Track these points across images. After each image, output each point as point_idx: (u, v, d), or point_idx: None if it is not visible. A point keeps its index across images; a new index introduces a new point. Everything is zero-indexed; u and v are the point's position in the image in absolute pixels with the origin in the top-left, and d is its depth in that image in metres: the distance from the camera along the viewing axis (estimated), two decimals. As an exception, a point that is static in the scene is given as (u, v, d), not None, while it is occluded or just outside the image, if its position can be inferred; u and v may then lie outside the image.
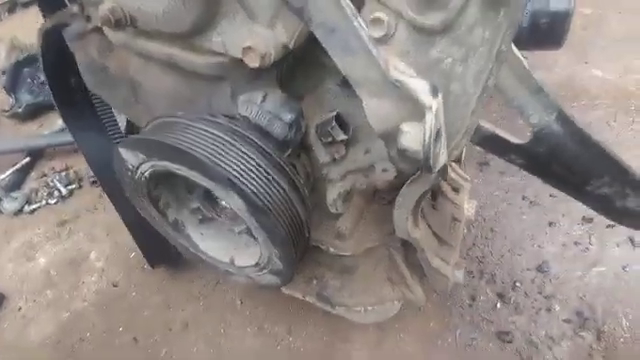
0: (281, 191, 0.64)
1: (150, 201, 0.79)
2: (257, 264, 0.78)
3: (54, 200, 1.67)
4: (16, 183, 1.76)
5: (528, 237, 1.29)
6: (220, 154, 0.61)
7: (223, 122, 0.64)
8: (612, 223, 1.16)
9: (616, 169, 0.52)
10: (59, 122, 1.89)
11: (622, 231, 1.23)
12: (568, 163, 0.53)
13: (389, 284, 0.91)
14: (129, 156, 0.69)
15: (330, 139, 0.72)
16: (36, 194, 1.71)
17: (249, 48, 0.54)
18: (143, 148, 0.66)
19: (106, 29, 0.68)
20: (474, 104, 0.51)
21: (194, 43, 0.61)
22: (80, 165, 1.78)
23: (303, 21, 0.50)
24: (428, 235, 0.85)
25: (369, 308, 0.94)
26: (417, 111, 0.47)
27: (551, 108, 0.51)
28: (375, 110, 0.53)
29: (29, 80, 2.02)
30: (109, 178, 0.85)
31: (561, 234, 1.28)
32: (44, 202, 1.67)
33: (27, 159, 1.79)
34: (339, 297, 0.93)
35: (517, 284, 1.19)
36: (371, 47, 0.47)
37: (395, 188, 0.77)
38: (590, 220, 1.29)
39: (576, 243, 1.26)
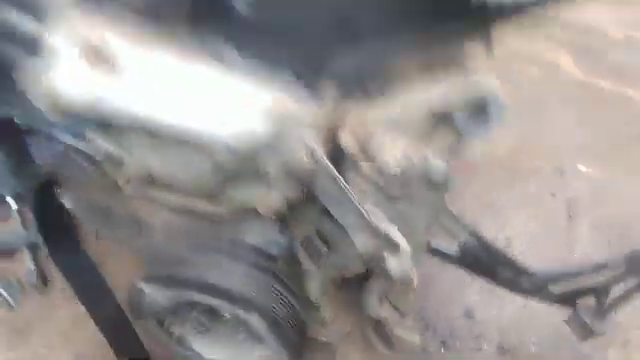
0: (289, 304, 0.83)
1: (158, 323, 0.91)
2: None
3: None
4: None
5: (454, 291, 1.61)
6: (242, 282, 0.78)
7: (238, 252, 0.83)
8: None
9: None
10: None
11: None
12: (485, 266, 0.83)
13: (365, 354, 1.13)
14: (152, 290, 0.82)
15: (314, 252, 0.94)
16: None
17: (266, 203, 0.75)
18: (170, 283, 0.80)
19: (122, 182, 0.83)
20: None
21: (211, 197, 0.79)
22: (15, 268, 1.71)
23: (309, 188, 0.72)
24: (390, 310, 1.09)
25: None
26: (393, 246, 0.72)
27: (465, 229, 0.81)
28: (361, 241, 0.77)
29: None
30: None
31: (477, 284, 1.63)
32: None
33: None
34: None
35: (455, 331, 1.49)
36: (362, 210, 0.71)
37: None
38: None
39: (490, 290, 1.61)
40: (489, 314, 1.57)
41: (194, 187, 0.76)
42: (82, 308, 1.42)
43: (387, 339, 1.11)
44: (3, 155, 0.96)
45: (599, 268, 0.83)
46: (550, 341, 1.47)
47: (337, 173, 0.68)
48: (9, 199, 1.74)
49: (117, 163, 0.79)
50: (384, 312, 1.05)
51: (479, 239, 0.81)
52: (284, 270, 0.92)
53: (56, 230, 1.04)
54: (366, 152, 0.70)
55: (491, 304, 1.59)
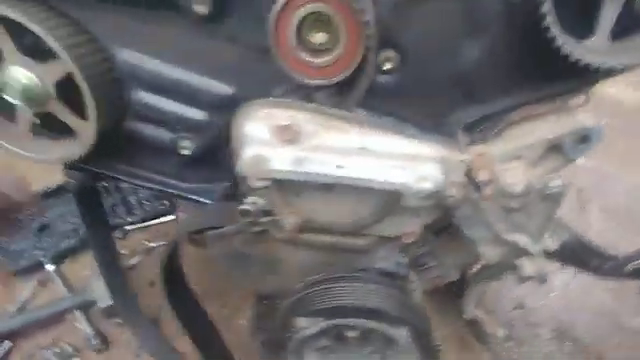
0: (424, 315, 0.97)
1: (297, 354, 1.01)
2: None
3: (54, 381, 1.58)
4: (-4, 377, 1.60)
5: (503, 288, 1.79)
6: (391, 305, 0.91)
7: (373, 277, 0.95)
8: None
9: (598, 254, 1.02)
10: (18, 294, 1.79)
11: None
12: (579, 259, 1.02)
13: (463, 353, 1.27)
14: (304, 322, 0.93)
15: (426, 268, 1.08)
16: (33, 382, 1.59)
17: (411, 233, 0.89)
18: (325, 314, 0.91)
19: (275, 231, 0.93)
20: (536, 237, 0.94)
21: (358, 233, 0.92)
22: (70, 335, 1.71)
23: (448, 213, 0.87)
24: (483, 311, 1.25)
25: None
26: (525, 252, 0.88)
27: (565, 229, 0.99)
28: (485, 253, 0.93)
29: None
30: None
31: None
32: (44, 387, 1.57)
33: (8, 344, 1.65)
34: None
35: (512, 322, 1.67)
36: (496, 227, 0.86)
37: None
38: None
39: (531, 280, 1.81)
40: (538, 303, 1.76)
41: (350, 228, 0.89)
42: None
43: (481, 336, 1.27)
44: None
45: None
46: (596, 318, 1.68)
47: (477, 200, 0.84)
48: (47, 265, 1.78)
49: (278, 217, 0.90)
50: (479, 313, 1.22)
51: (576, 236, 0.99)
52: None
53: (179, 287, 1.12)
54: (493, 179, 0.86)
55: (538, 294, 1.78)
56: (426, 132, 0.79)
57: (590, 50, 0.70)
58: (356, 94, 0.75)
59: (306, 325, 0.94)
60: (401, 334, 0.93)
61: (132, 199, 2.07)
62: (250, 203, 0.94)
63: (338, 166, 0.72)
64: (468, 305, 1.17)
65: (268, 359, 1.37)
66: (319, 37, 0.69)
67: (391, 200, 0.83)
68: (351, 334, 1.10)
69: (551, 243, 0.94)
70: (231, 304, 1.69)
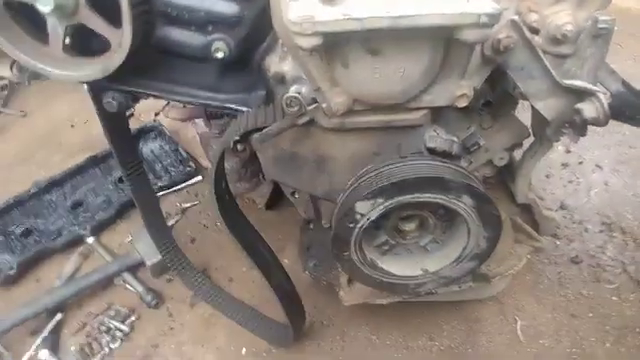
0: (480, 181, 0.94)
1: (358, 249, 1.00)
2: (457, 258, 1.04)
3: (116, 343, 1.59)
4: (53, 349, 1.61)
5: (542, 190, 1.77)
6: (450, 173, 0.89)
7: (428, 156, 0.93)
8: (581, 160, 1.75)
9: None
10: (62, 270, 1.79)
11: (589, 163, 1.81)
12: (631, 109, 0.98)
13: (518, 245, 1.25)
14: (364, 206, 0.91)
15: (477, 147, 1.05)
16: (90, 348, 1.60)
17: (462, 95, 0.86)
18: (384, 193, 0.89)
19: (322, 119, 0.91)
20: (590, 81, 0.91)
21: (408, 106, 0.89)
22: (121, 298, 1.72)
23: (501, 68, 0.84)
24: (533, 194, 1.22)
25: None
26: (585, 95, 0.85)
27: (619, 79, 0.95)
28: (544, 107, 0.90)
29: (1, 238, 1.86)
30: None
31: (558, 180, 1.79)
32: (106, 350, 1.58)
33: (59, 316, 1.65)
34: (489, 271, 1.22)
35: (558, 223, 1.64)
36: (554, 73, 0.83)
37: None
38: (567, 165, 1.84)
39: (570, 181, 1.78)
40: (580, 201, 1.74)
41: (400, 98, 0.86)
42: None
43: (535, 222, 1.24)
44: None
45: None
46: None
47: (532, 43, 0.81)
48: (87, 238, 1.78)
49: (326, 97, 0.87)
50: (531, 195, 1.19)
51: (629, 86, 0.95)
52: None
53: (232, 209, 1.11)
54: (542, 23, 0.83)
55: (578, 192, 1.76)
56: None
57: None
58: None
59: (367, 210, 0.92)
60: (464, 202, 0.91)
61: (158, 167, 2.06)
62: (295, 92, 0.91)
63: (387, 10, 0.69)
64: (521, 189, 1.14)
65: (321, 278, 1.37)
66: None
67: (444, 54, 0.80)
68: (409, 226, 1.09)
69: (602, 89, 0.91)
70: (273, 248, 1.69)
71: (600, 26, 0.83)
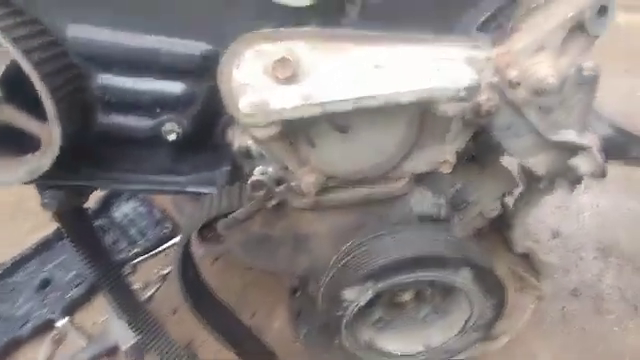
0: (480, 250, 0.84)
1: (350, 334, 0.88)
2: (461, 329, 0.92)
3: None
4: None
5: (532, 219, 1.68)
6: (445, 247, 0.78)
7: (418, 226, 0.82)
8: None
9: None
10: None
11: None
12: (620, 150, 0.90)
13: (520, 295, 1.14)
14: (351, 293, 0.80)
15: (465, 204, 0.95)
16: None
17: (445, 162, 0.76)
18: (373, 277, 0.78)
19: (294, 199, 0.80)
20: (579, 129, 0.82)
21: (388, 176, 0.79)
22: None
23: (485, 130, 0.75)
24: (530, 242, 1.12)
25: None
26: (578, 149, 0.75)
27: (606, 122, 0.87)
28: (534, 164, 0.80)
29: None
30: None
31: (547, 206, 1.71)
32: None
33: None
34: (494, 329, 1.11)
35: (553, 253, 1.55)
36: (540, 129, 0.74)
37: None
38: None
39: (559, 207, 1.70)
40: (572, 227, 1.65)
41: (377, 172, 0.76)
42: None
43: (534, 269, 1.14)
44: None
45: None
46: (635, 227, 1.58)
47: (514, 101, 0.72)
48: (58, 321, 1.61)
49: (293, 178, 0.77)
50: (529, 244, 1.09)
51: (616, 128, 0.87)
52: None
53: (197, 288, 0.98)
54: (523, 77, 0.74)
55: (569, 217, 1.67)
56: (442, 35, 0.66)
57: None
58: (354, 7, 0.63)
59: (355, 297, 0.80)
60: (462, 277, 0.80)
61: (132, 231, 1.91)
62: (260, 173, 0.80)
63: (353, 90, 0.59)
64: (517, 238, 1.05)
65: (316, 350, 1.23)
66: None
67: (419, 124, 0.70)
68: (405, 297, 0.97)
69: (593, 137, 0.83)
70: (261, 312, 1.55)
71: (585, 74, 0.74)
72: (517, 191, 1.02)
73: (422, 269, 0.79)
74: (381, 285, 0.79)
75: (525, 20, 0.75)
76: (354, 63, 0.63)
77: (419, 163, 0.78)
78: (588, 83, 0.76)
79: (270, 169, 0.79)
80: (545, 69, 0.75)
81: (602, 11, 0.75)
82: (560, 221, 1.65)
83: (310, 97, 0.59)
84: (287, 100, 0.58)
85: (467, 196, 0.95)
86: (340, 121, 0.67)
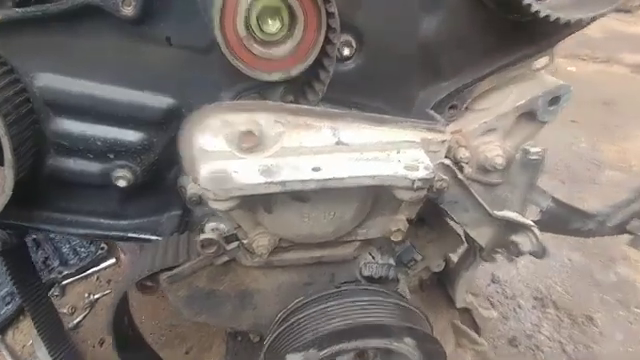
0: (422, 316, 0.88)
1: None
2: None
3: None
4: None
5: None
6: (390, 316, 0.82)
7: (365, 288, 0.85)
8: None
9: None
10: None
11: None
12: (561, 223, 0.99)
13: (461, 349, 1.21)
14: (294, 358, 0.81)
15: (412, 262, 1.00)
16: None
17: (397, 230, 0.80)
18: (317, 344, 0.80)
19: (244, 258, 0.80)
20: (521, 209, 0.90)
21: (340, 240, 0.81)
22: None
23: (435, 202, 0.80)
24: (470, 297, 1.20)
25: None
26: (521, 228, 0.83)
27: (547, 196, 0.96)
28: (477, 235, 0.87)
29: None
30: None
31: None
32: None
33: None
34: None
35: (490, 299, 1.65)
36: (485, 205, 0.80)
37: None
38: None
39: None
40: (510, 274, 1.77)
41: (330, 237, 0.78)
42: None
43: (475, 323, 1.22)
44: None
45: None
46: (570, 278, 1.72)
47: (463, 181, 0.77)
48: None
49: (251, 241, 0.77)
50: (470, 299, 1.17)
51: (557, 202, 0.96)
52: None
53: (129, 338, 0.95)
54: (473, 156, 0.81)
55: (506, 264, 1.79)
56: (399, 117, 0.71)
57: (554, 7, 0.67)
58: (319, 87, 0.65)
59: None
60: (406, 343, 0.84)
61: (65, 248, 1.80)
62: (212, 230, 0.80)
63: (315, 168, 0.61)
64: (459, 294, 1.11)
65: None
66: (272, 26, 0.58)
67: (375, 197, 0.74)
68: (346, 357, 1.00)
69: (534, 212, 0.91)
70: (197, 347, 1.52)
71: (531, 157, 0.82)
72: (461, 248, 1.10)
73: (367, 338, 0.82)
74: (325, 352, 0.81)
75: (478, 102, 0.82)
76: (317, 140, 0.65)
77: (371, 230, 0.81)
78: (533, 166, 0.84)
79: (222, 226, 0.80)
80: (493, 150, 0.82)
81: (554, 101, 0.83)
82: (498, 266, 1.77)
83: (270, 174, 0.60)
84: (249, 177, 0.60)
85: (415, 255, 1.00)
86: (300, 193, 0.69)
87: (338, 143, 0.65)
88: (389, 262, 0.93)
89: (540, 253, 0.81)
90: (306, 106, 0.66)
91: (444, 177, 0.73)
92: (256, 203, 0.69)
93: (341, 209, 0.73)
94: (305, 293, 0.89)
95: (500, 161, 0.80)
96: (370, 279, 0.91)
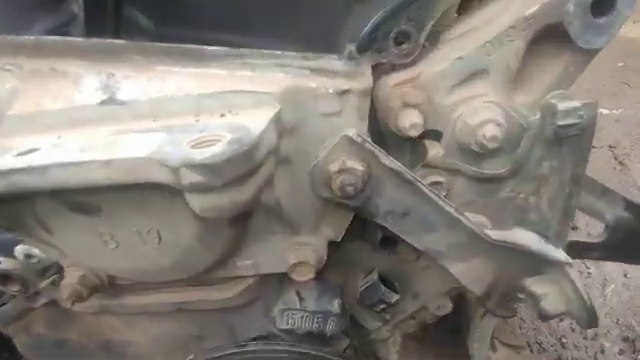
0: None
1: None
2: None
3: None
4: None
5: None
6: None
7: (282, 348, 0.50)
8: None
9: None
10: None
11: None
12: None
13: None
14: None
15: (383, 305, 0.62)
16: None
17: (299, 263, 0.44)
18: None
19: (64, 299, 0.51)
20: (556, 227, 0.47)
21: (211, 277, 0.48)
22: None
23: (365, 216, 0.42)
24: (505, 352, 0.77)
25: None
26: (544, 265, 0.41)
27: (618, 201, 0.52)
28: (467, 274, 0.46)
29: None
30: None
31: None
32: None
33: None
34: None
35: (563, 340, 1.16)
36: (460, 217, 0.41)
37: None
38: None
39: (580, 272, 1.30)
40: (594, 302, 1.25)
41: (180, 273, 0.45)
42: None
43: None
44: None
45: None
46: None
47: (407, 170, 0.39)
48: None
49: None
50: (496, 355, 0.74)
51: (634, 207, 0.51)
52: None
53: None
54: (446, 126, 0.42)
55: (589, 289, 1.27)
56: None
57: None
58: None
59: None
60: None
61: None
62: (21, 254, 0.52)
63: (26, 152, 0.30)
64: (479, 355, 0.69)
65: None
66: None
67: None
68: None
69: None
70: None
71: (562, 123, 0.40)
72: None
73: None
74: None
75: (456, 27, 0.42)
76: (69, 98, 0.33)
77: (262, 262, 0.46)
78: (572, 138, 0.42)
79: (36, 250, 0.51)
80: (482, 111, 0.42)
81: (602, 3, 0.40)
82: (576, 293, 1.26)
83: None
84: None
85: (385, 294, 0.61)
86: (71, 197, 0.37)
87: (107, 102, 0.32)
88: (328, 308, 0.57)
89: (584, 318, 0.39)
90: (61, 38, 0.34)
91: (351, 165, 0.36)
92: (17, 210, 0.38)
93: (161, 222, 0.39)
94: (198, 347, 0.57)
95: (491, 132, 0.39)
96: (292, 333, 0.56)
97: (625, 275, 1.26)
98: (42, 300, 0.52)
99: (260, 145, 0.30)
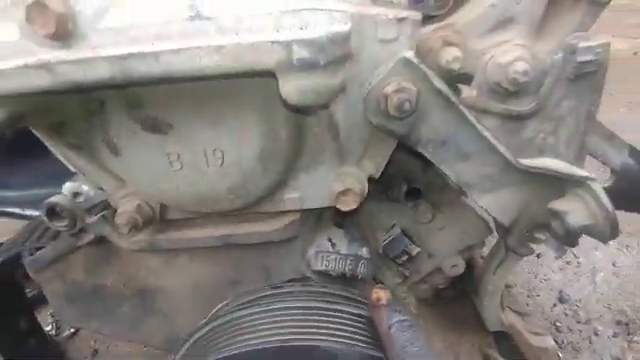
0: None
1: None
2: None
3: None
4: None
5: (533, 276, 1.34)
6: (333, 336, 0.48)
7: (316, 289, 0.53)
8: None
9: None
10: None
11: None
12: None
13: (495, 388, 0.81)
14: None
15: (405, 257, 0.65)
16: None
17: (346, 191, 0.47)
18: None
19: (116, 236, 0.52)
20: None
21: (258, 210, 0.50)
22: None
23: (408, 144, 0.46)
24: (513, 316, 0.80)
25: None
26: (569, 185, 0.45)
27: (624, 147, 0.57)
28: (494, 205, 0.50)
29: None
30: None
31: (552, 261, 1.36)
32: None
33: None
34: None
35: (557, 324, 1.20)
36: (495, 143, 0.45)
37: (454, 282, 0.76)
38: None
39: (568, 262, 1.35)
40: (584, 291, 1.30)
41: (232, 200, 0.48)
42: None
43: (519, 354, 0.81)
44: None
45: None
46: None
47: (453, 93, 0.43)
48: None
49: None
50: (510, 319, 0.77)
51: (637, 153, 0.57)
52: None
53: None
54: (473, 65, 0.46)
55: (580, 277, 1.32)
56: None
57: None
58: None
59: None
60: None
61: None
62: (69, 192, 0.53)
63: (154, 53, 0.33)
64: (490, 313, 0.73)
65: None
66: None
67: (286, 121, 0.42)
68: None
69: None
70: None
71: (581, 59, 0.46)
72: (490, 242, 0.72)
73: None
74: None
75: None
76: (158, 14, 0.36)
77: (307, 194, 0.49)
78: (587, 77, 0.47)
79: (85, 187, 0.53)
80: (511, 52, 0.47)
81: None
82: (569, 281, 1.29)
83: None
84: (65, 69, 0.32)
85: (408, 246, 0.65)
86: (147, 111, 0.40)
87: (195, 18, 0.36)
88: (358, 253, 0.60)
89: (606, 230, 0.43)
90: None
91: (406, 84, 0.40)
92: (92, 134, 0.41)
93: (232, 146, 0.42)
94: (231, 297, 0.58)
95: (522, 67, 0.44)
96: (326, 275, 0.58)
97: (614, 264, 1.32)
98: (88, 237, 0.53)
99: (349, 37, 0.34)
